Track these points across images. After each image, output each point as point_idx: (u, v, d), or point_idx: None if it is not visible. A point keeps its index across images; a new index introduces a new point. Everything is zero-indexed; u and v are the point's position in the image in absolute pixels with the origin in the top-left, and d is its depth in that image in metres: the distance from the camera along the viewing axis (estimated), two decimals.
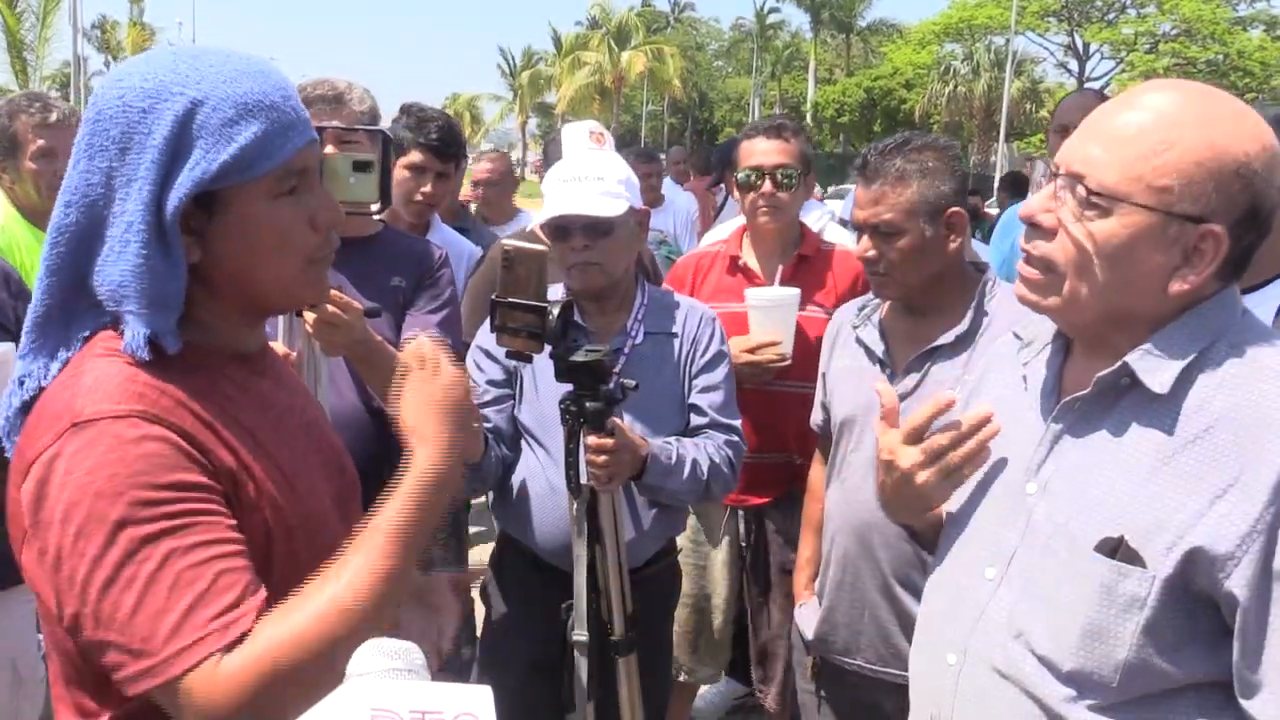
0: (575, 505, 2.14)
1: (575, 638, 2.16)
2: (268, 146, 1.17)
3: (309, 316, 2.01)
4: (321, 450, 1.36)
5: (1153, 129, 1.25)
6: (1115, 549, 1.26)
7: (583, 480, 2.11)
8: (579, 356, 2.00)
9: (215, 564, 1.08)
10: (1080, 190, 1.28)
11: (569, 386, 2.07)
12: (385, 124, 2.64)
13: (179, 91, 1.14)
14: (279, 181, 1.19)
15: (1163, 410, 1.29)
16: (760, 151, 2.91)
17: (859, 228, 2.19)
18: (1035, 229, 1.35)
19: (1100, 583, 1.27)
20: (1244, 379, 1.26)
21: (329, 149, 2.11)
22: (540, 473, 2.33)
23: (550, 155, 3.15)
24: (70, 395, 1.12)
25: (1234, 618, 1.22)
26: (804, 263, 2.95)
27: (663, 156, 11.30)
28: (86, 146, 1.15)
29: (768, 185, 2.88)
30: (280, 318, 2.07)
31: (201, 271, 1.19)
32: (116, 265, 1.14)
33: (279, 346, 2.01)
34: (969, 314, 2.18)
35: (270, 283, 1.23)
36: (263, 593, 1.10)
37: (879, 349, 2.24)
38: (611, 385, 2.07)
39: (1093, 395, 1.35)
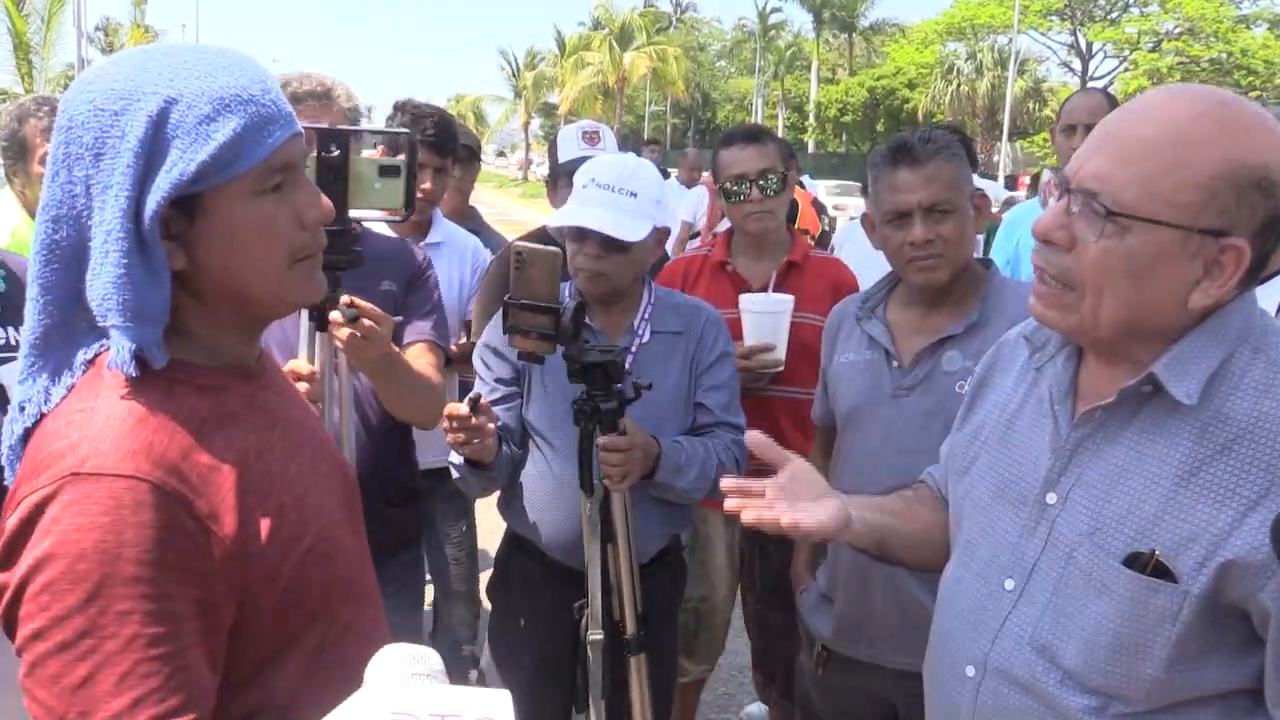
0: (589, 505, 2.15)
1: (590, 637, 2.16)
2: (247, 142, 1.11)
3: (341, 333, 1.96)
4: (326, 459, 1.33)
5: (1169, 143, 1.21)
6: (1146, 563, 1.24)
7: (596, 480, 2.12)
8: (592, 357, 2.00)
9: (175, 660, 1.04)
10: (1097, 207, 1.23)
11: (578, 385, 2.08)
12: (363, 124, 2.61)
13: (152, 91, 1.08)
14: (261, 179, 1.14)
15: (1186, 420, 1.26)
16: (743, 160, 2.91)
17: (900, 216, 2.16)
18: (1050, 245, 1.31)
19: (1131, 597, 1.25)
20: (1271, 386, 1.24)
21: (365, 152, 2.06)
22: (549, 471, 2.34)
23: (551, 160, 3.15)
24: (78, 437, 1.07)
25: (1265, 628, 1.21)
26: (793, 269, 2.95)
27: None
28: (63, 156, 1.10)
29: (755, 193, 2.88)
30: (301, 332, 2.01)
31: (188, 279, 1.14)
32: (100, 278, 1.09)
33: (301, 364, 1.97)
34: (978, 305, 2.20)
35: (259, 286, 1.17)
36: (198, 711, 1.06)
37: (885, 341, 2.25)
38: (624, 385, 2.07)
39: (1112, 404, 1.32)
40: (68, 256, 1.11)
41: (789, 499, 1.51)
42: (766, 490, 1.51)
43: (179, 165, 1.08)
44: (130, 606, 1.02)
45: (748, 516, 1.47)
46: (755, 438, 1.57)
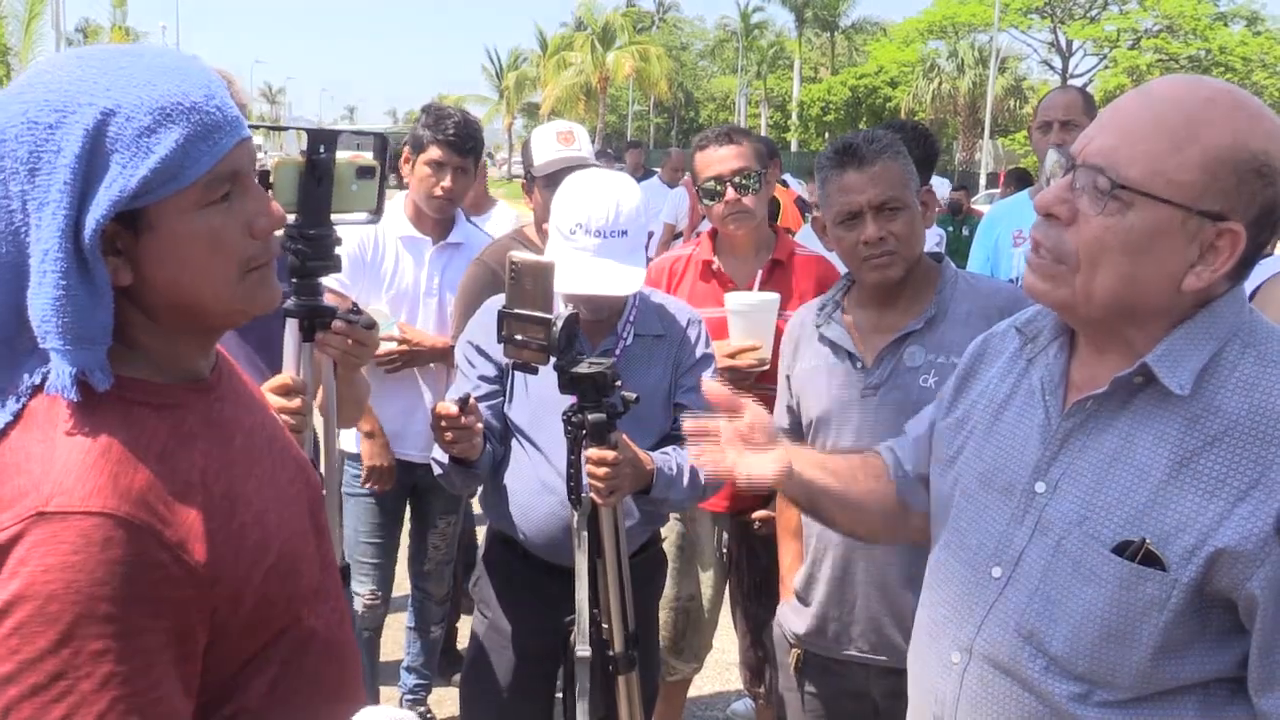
0: (576, 518, 2.13)
1: (578, 653, 2.15)
2: (192, 153, 1.06)
3: (333, 339, 1.95)
4: (287, 465, 1.30)
5: (1177, 123, 1.23)
6: (1135, 551, 1.26)
7: (584, 493, 2.10)
8: (582, 368, 1.99)
9: (151, 693, 1.02)
10: (1101, 182, 1.25)
11: (565, 388, 2.08)
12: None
13: (88, 102, 1.03)
14: (208, 189, 1.09)
15: (1178, 411, 1.28)
16: (718, 160, 2.90)
17: (851, 216, 2.19)
18: (1049, 219, 1.32)
19: (1119, 585, 1.27)
20: (1260, 380, 1.26)
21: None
22: (531, 469, 2.34)
23: (525, 160, 3.16)
24: (40, 472, 1.03)
25: (1251, 618, 1.22)
26: (778, 267, 2.95)
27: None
28: None
29: (731, 192, 2.88)
30: (287, 343, 1.99)
31: (137, 295, 1.10)
32: (39, 299, 1.03)
33: (288, 376, 1.95)
34: (934, 299, 2.23)
35: (210, 300, 1.13)
36: None
37: (847, 343, 2.27)
38: (613, 398, 2.05)
39: (1104, 394, 1.33)
40: (8, 274, 1.06)
41: (740, 445, 1.57)
42: (721, 431, 1.57)
43: (119, 181, 1.03)
44: (104, 646, 0.99)
45: (701, 461, 1.57)
46: (711, 387, 1.62)
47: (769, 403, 2.84)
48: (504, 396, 2.39)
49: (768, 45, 57.59)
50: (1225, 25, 39.28)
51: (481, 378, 2.38)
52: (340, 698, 1.27)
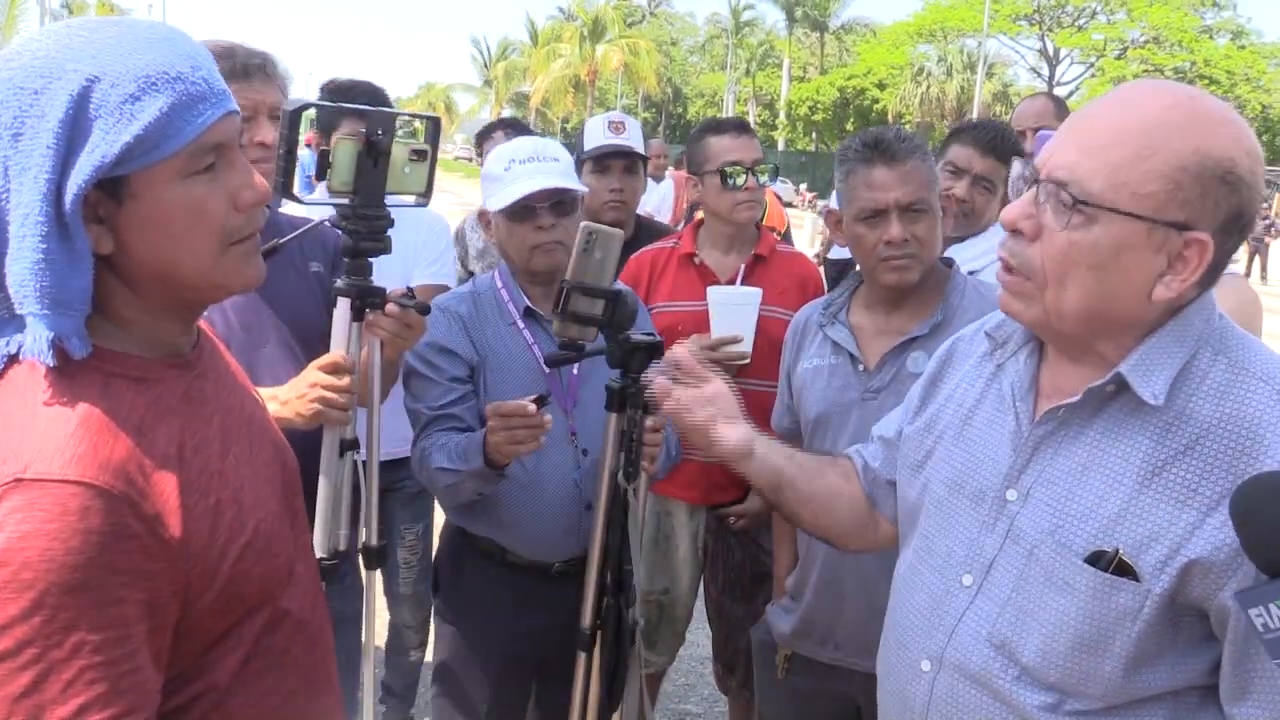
0: (630, 493, 1.98)
1: (586, 628, 2.07)
2: (175, 122, 1.06)
3: (384, 321, 1.96)
4: (264, 447, 1.30)
5: (1138, 134, 1.21)
6: (1108, 561, 1.25)
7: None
8: (640, 338, 1.88)
9: (122, 664, 1.02)
10: (1064, 197, 1.23)
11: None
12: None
13: (73, 68, 1.03)
14: (192, 160, 1.09)
15: (1149, 420, 1.27)
16: (739, 147, 2.91)
17: (876, 214, 2.13)
18: (1016, 235, 1.30)
19: (1092, 595, 1.26)
20: (1231, 388, 1.25)
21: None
22: (519, 467, 2.22)
23: (576, 148, 3.16)
24: (20, 439, 1.03)
25: (1223, 628, 1.22)
26: (760, 262, 2.95)
27: None
28: None
29: (752, 180, 2.89)
30: (337, 322, 1.98)
31: (118, 265, 1.10)
32: (17, 263, 1.04)
33: (342, 356, 1.93)
34: (941, 305, 2.20)
35: (191, 271, 1.13)
36: (146, 713, 1.05)
37: (850, 345, 2.24)
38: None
39: (1076, 403, 1.32)
40: None
41: (704, 410, 1.62)
42: (686, 396, 1.62)
43: (101, 147, 1.03)
44: (76, 615, 0.99)
45: (669, 405, 1.60)
46: (678, 355, 1.66)
47: (749, 398, 2.85)
48: (477, 396, 2.30)
49: (757, 43, 57.72)
50: (1211, 38, 39.63)
51: (453, 379, 2.27)
52: (312, 680, 1.27)
